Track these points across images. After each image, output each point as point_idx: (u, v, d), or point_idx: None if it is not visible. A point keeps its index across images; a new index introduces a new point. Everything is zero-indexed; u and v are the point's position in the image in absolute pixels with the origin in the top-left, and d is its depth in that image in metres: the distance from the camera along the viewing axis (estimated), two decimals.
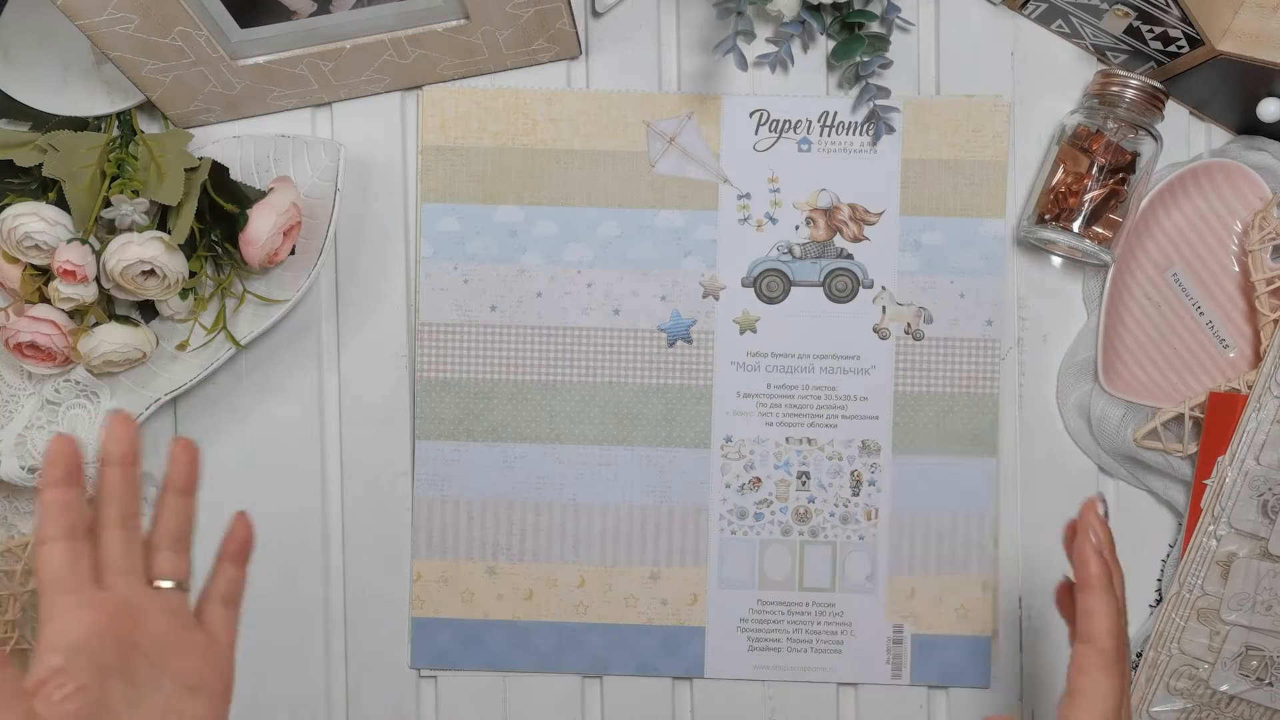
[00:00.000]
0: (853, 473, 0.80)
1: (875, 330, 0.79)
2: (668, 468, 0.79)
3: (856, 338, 0.79)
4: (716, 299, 0.80)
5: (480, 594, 0.80)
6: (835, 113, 0.79)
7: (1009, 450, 0.80)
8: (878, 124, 0.78)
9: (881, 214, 0.79)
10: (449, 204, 0.79)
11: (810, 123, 0.79)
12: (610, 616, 0.80)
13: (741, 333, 0.80)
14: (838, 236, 0.79)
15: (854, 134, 0.79)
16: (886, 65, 0.78)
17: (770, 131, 0.79)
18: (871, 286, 0.79)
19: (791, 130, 0.79)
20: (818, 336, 0.79)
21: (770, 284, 0.79)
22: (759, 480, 0.80)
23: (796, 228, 0.79)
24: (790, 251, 0.79)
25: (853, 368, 0.79)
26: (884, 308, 0.79)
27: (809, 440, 0.80)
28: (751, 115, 0.79)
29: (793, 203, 0.79)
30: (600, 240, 0.79)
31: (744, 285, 0.80)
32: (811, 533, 0.80)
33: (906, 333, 0.79)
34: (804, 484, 0.80)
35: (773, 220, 0.79)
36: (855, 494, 0.80)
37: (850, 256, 0.79)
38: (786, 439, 0.80)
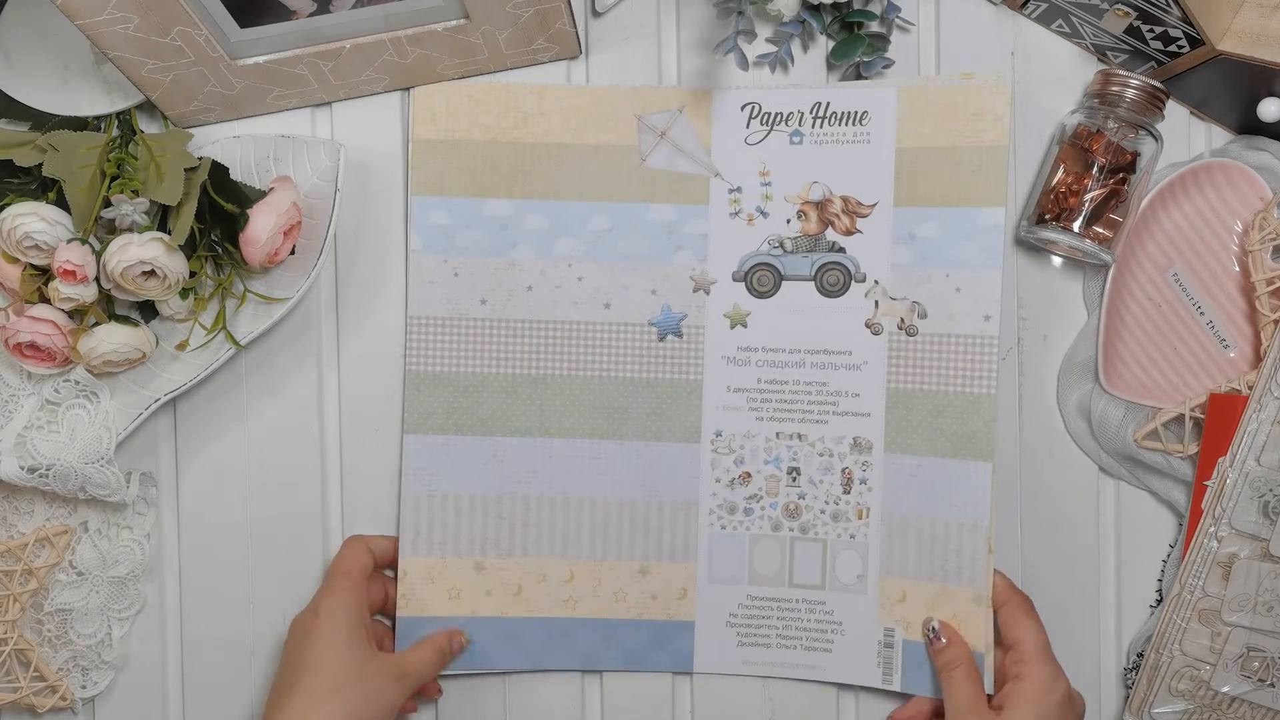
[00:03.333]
0: (843, 470, 0.79)
1: (867, 325, 0.78)
2: (657, 462, 0.79)
3: (848, 333, 0.78)
4: (707, 293, 0.79)
5: (467, 591, 0.79)
6: (828, 103, 0.78)
7: (1009, 451, 0.79)
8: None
9: (875, 205, 0.78)
10: (439, 196, 0.79)
11: (802, 114, 0.78)
12: (599, 611, 0.79)
13: (732, 327, 0.79)
14: (830, 230, 0.78)
15: (847, 124, 0.78)
16: (887, 65, 0.78)
17: (762, 124, 0.78)
18: (864, 280, 0.78)
19: (783, 123, 0.78)
20: (809, 331, 0.78)
21: (761, 278, 0.79)
22: (749, 475, 0.79)
23: (788, 221, 0.78)
24: (781, 245, 0.79)
25: (844, 363, 0.78)
26: (876, 302, 0.78)
27: (799, 436, 0.79)
28: (743, 108, 0.78)
29: (784, 196, 0.78)
30: (591, 234, 0.79)
31: (735, 279, 0.79)
32: (802, 529, 0.79)
33: (900, 328, 0.78)
34: (794, 480, 0.79)
35: (764, 214, 0.78)
36: (846, 492, 0.79)
37: (842, 250, 0.78)
38: (776, 434, 0.79)
